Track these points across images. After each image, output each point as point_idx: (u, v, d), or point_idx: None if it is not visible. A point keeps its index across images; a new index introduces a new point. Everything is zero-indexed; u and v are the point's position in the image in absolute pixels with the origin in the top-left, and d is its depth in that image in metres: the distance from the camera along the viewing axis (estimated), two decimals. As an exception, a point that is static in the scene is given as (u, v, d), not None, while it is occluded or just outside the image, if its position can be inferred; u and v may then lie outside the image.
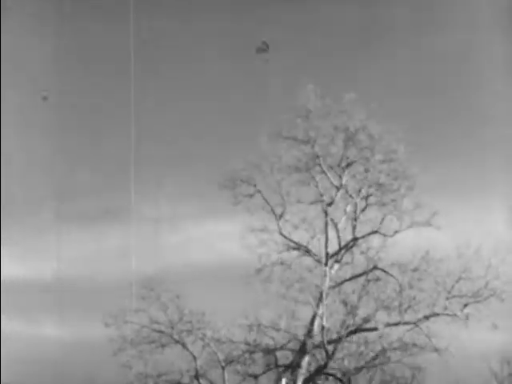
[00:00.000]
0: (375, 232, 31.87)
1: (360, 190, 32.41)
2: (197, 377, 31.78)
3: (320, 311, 30.67)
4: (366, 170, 32.35)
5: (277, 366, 31.99)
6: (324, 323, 30.31)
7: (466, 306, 30.68)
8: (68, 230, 35.64)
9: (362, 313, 30.99)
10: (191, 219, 35.38)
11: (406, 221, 31.55)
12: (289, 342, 31.75)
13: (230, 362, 31.67)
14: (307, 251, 32.36)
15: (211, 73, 37.62)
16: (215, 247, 34.08)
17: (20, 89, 37.05)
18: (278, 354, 31.96)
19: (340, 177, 32.42)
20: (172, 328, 31.90)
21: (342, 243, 32.28)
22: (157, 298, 32.02)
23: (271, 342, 31.73)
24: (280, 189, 32.37)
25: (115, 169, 36.57)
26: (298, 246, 32.41)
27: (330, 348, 30.57)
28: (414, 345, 30.59)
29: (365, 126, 31.94)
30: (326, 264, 31.66)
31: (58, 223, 35.69)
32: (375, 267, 31.34)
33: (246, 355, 31.82)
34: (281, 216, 32.41)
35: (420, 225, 31.37)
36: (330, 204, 32.23)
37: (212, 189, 33.16)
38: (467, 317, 30.56)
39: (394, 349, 30.81)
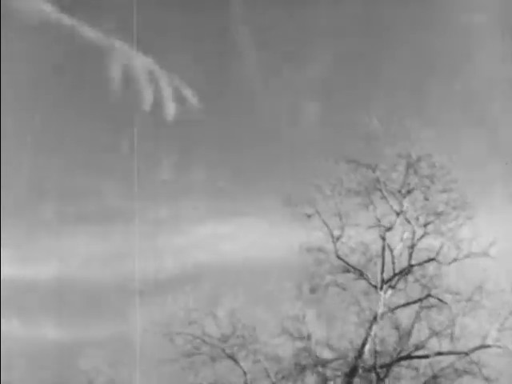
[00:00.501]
0: (432, 259, 32.19)
1: (418, 218, 32.78)
2: (246, 391, 32.20)
3: (372, 335, 31.04)
4: (426, 198, 32.73)
5: (326, 387, 32.34)
6: (377, 347, 30.66)
7: (517, 338, 30.92)
8: (68, 230, 35.59)
9: (414, 339, 31.36)
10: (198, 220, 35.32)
11: (463, 250, 31.85)
12: (338, 361, 32.03)
13: (281, 378, 32.03)
14: (362, 274, 32.80)
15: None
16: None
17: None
18: (328, 374, 32.30)
19: (400, 203, 32.87)
20: (225, 342, 32.35)
21: (397, 269, 32.64)
22: (211, 312, 32.50)
23: (321, 362, 32.09)
24: (339, 211, 32.93)
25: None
26: (354, 269, 32.87)
27: (381, 372, 30.92)
28: (465, 372, 30.86)
29: (428, 154, 32.43)
30: (380, 288, 32.07)
31: (58, 223, 35.69)
32: (429, 295, 31.71)
33: (296, 372, 32.15)
34: (338, 238, 32.89)
35: (477, 255, 31.65)
36: (388, 229, 32.69)
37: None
38: (519, 350, 30.74)
39: (445, 376, 31.10)
